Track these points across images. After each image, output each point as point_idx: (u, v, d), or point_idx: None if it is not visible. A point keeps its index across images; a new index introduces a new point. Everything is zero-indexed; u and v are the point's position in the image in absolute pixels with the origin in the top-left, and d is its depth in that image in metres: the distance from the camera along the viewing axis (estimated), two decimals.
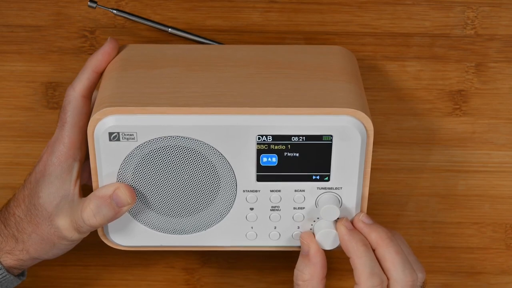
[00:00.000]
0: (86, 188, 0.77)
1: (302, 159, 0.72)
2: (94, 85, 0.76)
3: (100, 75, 0.76)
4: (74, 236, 0.75)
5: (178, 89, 0.72)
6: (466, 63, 0.86)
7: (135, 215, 0.76)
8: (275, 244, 0.78)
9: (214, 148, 0.71)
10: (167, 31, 0.81)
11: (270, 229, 0.77)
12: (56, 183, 0.74)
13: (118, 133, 0.70)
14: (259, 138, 0.71)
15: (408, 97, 0.87)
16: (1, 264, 0.76)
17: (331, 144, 0.71)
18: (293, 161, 0.72)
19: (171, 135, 0.70)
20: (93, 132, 0.71)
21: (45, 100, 0.87)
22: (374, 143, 0.85)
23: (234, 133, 0.70)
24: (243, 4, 0.83)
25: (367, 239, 0.74)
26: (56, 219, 0.74)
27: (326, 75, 0.74)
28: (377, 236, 0.73)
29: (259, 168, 0.72)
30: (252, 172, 0.73)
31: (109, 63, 0.77)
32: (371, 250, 0.73)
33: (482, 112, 0.88)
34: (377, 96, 0.86)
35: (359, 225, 0.74)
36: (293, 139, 0.71)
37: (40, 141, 0.87)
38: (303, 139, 0.71)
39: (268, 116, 0.70)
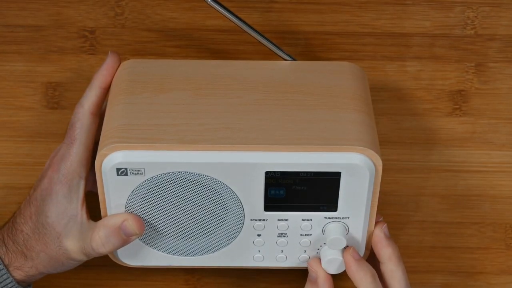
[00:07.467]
0: (91, 195, 0.77)
1: (310, 192, 0.72)
2: (102, 101, 0.76)
3: (107, 90, 0.76)
4: (83, 258, 0.76)
5: (185, 121, 0.71)
6: (466, 63, 0.86)
7: (143, 239, 0.76)
8: (282, 266, 0.78)
9: (222, 182, 0.71)
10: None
11: (277, 253, 0.77)
12: (63, 203, 0.74)
13: (126, 168, 0.70)
14: (267, 174, 0.70)
15: (408, 97, 0.87)
16: (13, 278, 0.76)
17: (339, 179, 0.71)
18: (301, 194, 0.72)
19: (179, 170, 0.70)
20: (101, 166, 0.70)
21: (45, 100, 0.87)
22: None
23: (243, 169, 0.70)
24: (243, 4, 0.83)
25: (382, 250, 0.75)
26: (65, 241, 0.75)
27: (335, 102, 0.73)
28: (391, 252, 0.75)
29: (267, 199, 0.72)
30: (260, 203, 0.73)
31: (113, 76, 0.76)
32: (378, 281, 0.74)
33: (482, 112, 0.88)
34: (377, 96, 0.86)
35: (380, 235, 0.75)
36: (301, 174, 0.71)
37: (40, 141, 0.87)
38: (311, 174, 0.70)
39: (276, 153, 0.69)
